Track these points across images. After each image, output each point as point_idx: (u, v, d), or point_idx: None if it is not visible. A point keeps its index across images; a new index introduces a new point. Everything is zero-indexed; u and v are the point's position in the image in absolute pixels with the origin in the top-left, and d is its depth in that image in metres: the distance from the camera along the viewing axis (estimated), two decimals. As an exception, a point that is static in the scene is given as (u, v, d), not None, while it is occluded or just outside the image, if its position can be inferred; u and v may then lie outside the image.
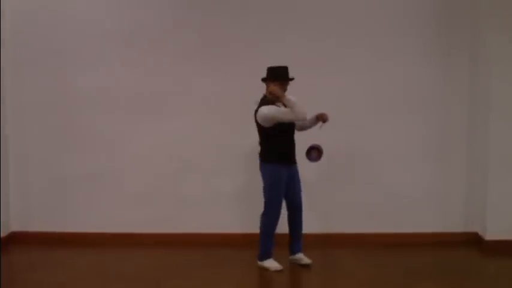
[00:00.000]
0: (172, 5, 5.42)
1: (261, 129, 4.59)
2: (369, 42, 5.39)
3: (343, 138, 5.37)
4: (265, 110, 4.49)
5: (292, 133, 4.69)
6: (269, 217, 4.63)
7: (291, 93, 4.56)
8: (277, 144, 4.59)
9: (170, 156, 5.45)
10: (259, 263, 4.72)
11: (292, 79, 4.60)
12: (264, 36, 5.37)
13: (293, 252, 4.81)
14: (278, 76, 4.55)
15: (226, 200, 5.45)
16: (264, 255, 4.70)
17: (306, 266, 4.71)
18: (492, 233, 5.15)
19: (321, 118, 4.73)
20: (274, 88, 4.48)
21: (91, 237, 5.45)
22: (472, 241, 5.35)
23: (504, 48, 5.07)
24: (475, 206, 5.39)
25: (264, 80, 4.63)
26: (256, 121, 4.60)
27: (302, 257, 4.77)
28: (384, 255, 5.10)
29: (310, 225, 5.04)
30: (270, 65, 4.63)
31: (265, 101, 4.58)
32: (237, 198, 5.44)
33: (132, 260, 4.99)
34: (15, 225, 5.51)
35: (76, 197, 5.51)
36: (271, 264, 4.67)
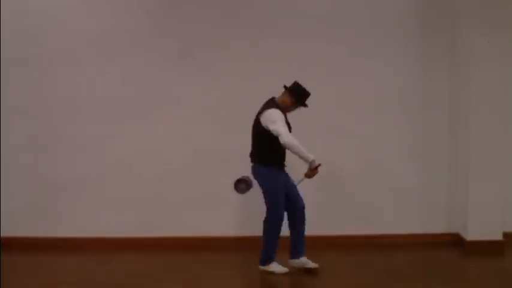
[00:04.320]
0: (155, 10, 5.41)
1: (263, 132, 4.47)
2: (349, 44, 5.44)
3: (325, 140, 5.39)
4: (275, 114, 4.42)
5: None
6: (274, 221, 4.53)
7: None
8: (277, 147, 4.46)
9: (153, 160, 5.45)
10: (262, 267, 4.64)
11: (306, 106, 4.58)
12: (248, 39, 5.39)
13: (296, 255, 4.68)
14: (297, 96, 4.52)
15: (209, 204, 5.45)
16: (268, 260, 4.62)
17: (311, 270, 4.61)
18: (473, 233, 5.21)
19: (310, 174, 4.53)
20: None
21: (75, 242, 5.42)
22: (454, 242, 5.42)
23: (483, 50, 5.13)
24: (457, 207, 5.45)
25: (286, 87, 4.57)
26: (256, 123, 4.52)
27: (307, 261, 4.66)
28: (366, 256, 5.14)
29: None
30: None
31: (273, 104, 4.52)
32: (219, 202, 5.44)
33: (117, 265, 4.97)
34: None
35: (60, 202, 5.47)
36: (276, 267, 4.61)
